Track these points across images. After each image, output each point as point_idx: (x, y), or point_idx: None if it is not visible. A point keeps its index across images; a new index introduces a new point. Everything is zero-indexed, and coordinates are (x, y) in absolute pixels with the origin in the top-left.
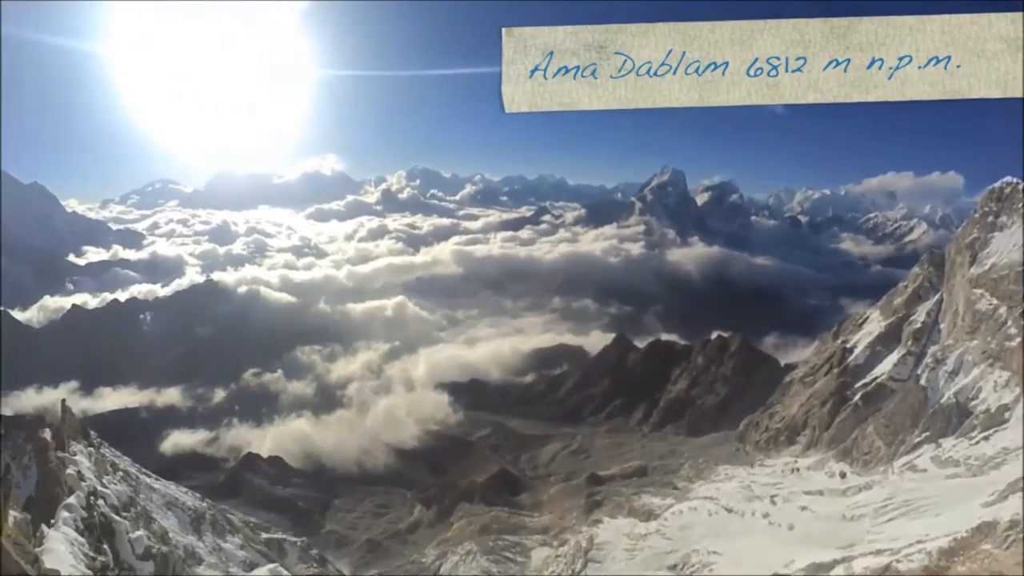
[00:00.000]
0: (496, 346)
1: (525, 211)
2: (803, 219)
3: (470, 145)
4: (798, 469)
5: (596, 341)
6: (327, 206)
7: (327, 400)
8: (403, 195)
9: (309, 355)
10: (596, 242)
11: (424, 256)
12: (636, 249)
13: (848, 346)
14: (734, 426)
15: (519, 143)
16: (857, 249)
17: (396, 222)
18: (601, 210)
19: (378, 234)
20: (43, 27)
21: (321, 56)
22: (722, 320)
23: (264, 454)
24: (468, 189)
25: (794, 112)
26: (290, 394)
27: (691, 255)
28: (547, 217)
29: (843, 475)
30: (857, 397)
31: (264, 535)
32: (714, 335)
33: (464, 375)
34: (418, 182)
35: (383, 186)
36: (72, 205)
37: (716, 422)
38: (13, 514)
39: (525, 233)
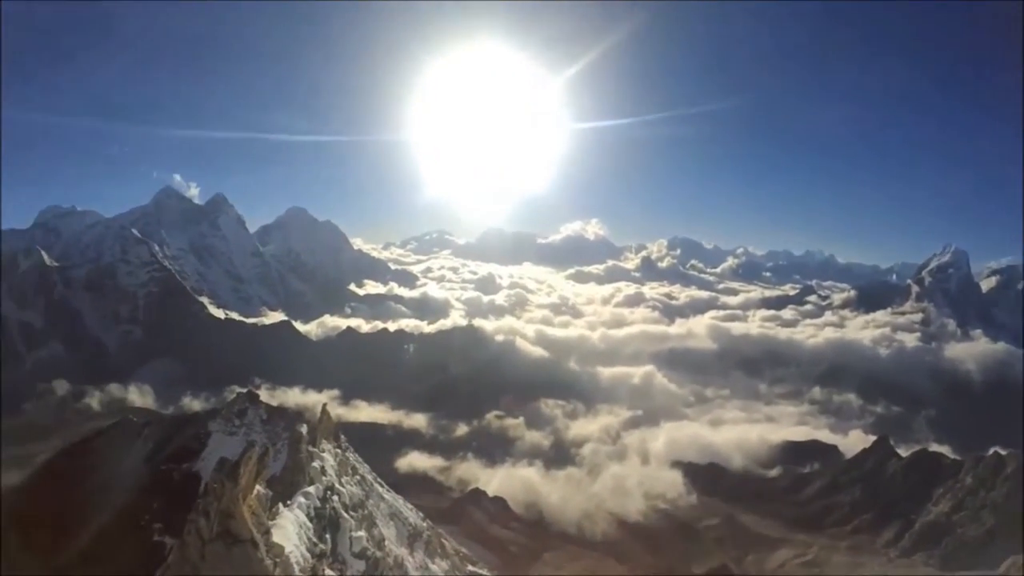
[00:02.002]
0: (743, 432)
1: (789, 289)
2: None
3: (734, 215)
4: None
5: (854, 442)
6: (587, 268)
7: (561, 455)
8: (663, 264)
9: (552, 408)
10: (865, 329)
11: (679, 328)
12: (910, 340)
13: None
14: (995, 566)
15: (786, 215)
16: None
17: (654, 290)
18: (873, 293)
19: (635, 301)
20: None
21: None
22: (1003, 434)
23: (490, 492)
24: (730, 262)
25: None
26: (527, 442)
27: (973, 351)
28: (813, 297)
29: None
30: None
31: (470, 567)
32: (991, 451)
33: (704, 457)
34: (679, 251)
35: (643, 253)
36: (358, 243)
37: (976, 557)
38: (259, 488)
39: (788, 313)
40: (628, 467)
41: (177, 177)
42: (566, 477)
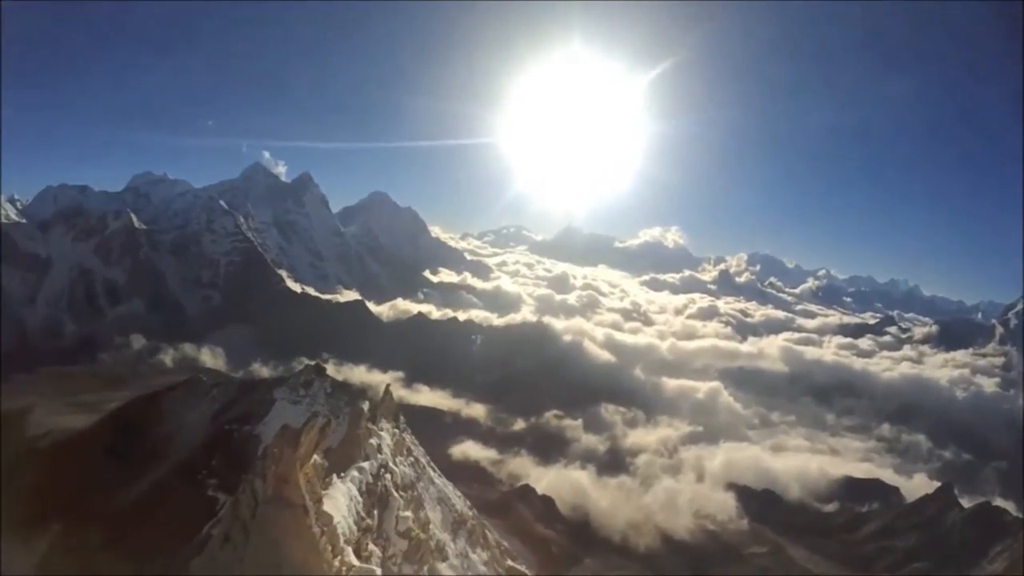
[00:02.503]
0: (804, 461)
1: (869, 317)
2: None
3: (819, 235)
4: None
5: (917, 486)
6: (663, 276)
7: (615, 462)
8: (740, 279)
9: (612, 414)
10: (944, 368)
11: (751, 346)
12: (989, 385)
13: None
14: None
15: (873, 239)
16: None
17: (729, 305)
18: (955, 330)
19: (708, 314)
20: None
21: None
22: None
23: (539, 490)
24: (810, 283)
25: None
26: (582, 445)
27: None
28: (892, 329)
29: None
30: None
31: (509, 562)
32: None
33: (760, 482)
34: (758, 267)
35: (721, 266)
36: (436, 232)
37: None
38: (316, 457)
39: (865, 343)
40: (681, 483)
41: (266, 154)
42: (617, 485)
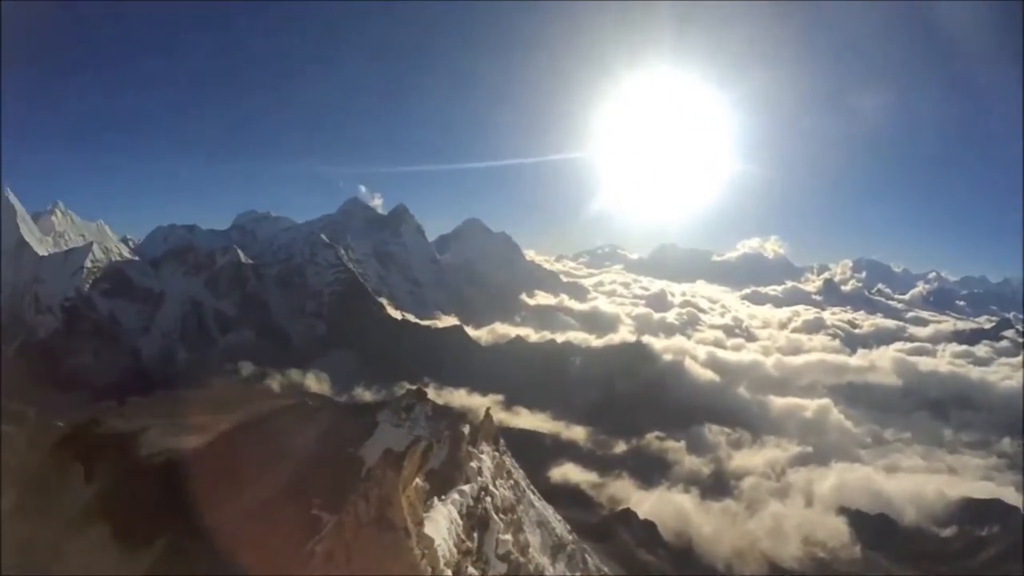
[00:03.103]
0: (920, 482)
1: (984, 322)
2: None
3: (926, 235)
4: None
5: None
6: (764, 289)
7: (719, 485)
8: (846, 287)
9: (716, 435)
10: None
11: (860, 359)
12: None
13: None
14: None
15: (984, 236)
16: None
17: (835, 316)
18: None
19: (814, 327)
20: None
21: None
22: None
23: (641, 515)
24: (920, 288)
25: None
26: (685, 467)
27: None
28: (1010, 332)
29: None
30: None
31: None
32: None
33: (874, 506)
34: (864, 274)
35: (825, 275)
36: (531, 255)
37: None
38: (418, 480)
39: (982, 350)
40: (790, 507)
41: (363, 188)
42: (722, 509)
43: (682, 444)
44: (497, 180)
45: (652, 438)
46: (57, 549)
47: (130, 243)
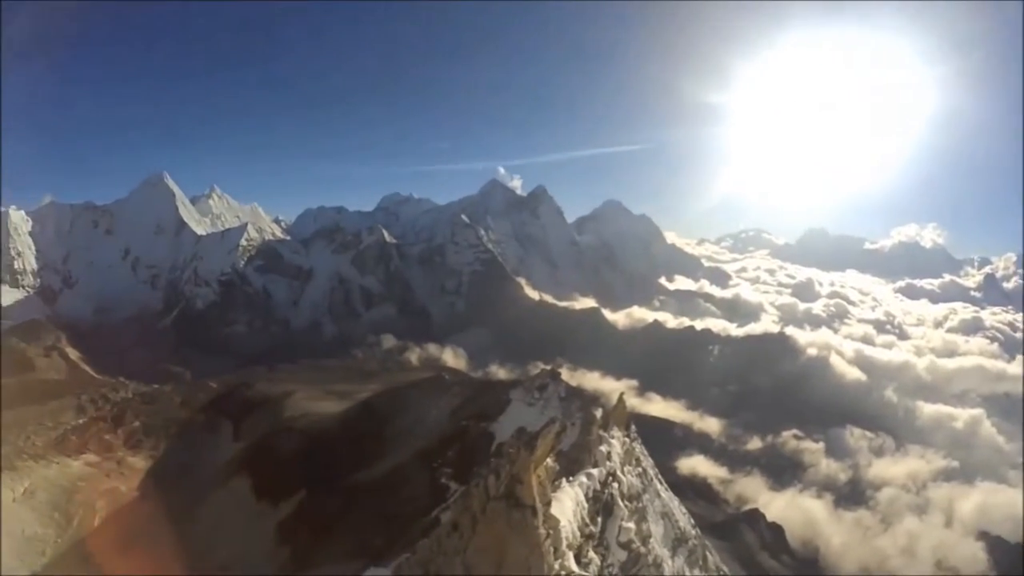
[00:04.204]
0: None
1: None
2: None
3: None
4: None
5: None
6: (920, 282)
7: (855, 494)
8: (1009, 284)
9: (857, 439)
10: None
11: (1020, 367)
12: None
13: None
14: None
15: None
16: None
17: (995, 317)
18: None
19: (972, 327)
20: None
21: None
22: None
23: (769, 516)
24: None
25: None
26: (821, 471)
27: None
28: None
29: None
30: None
31: None
32: None
33: (1017, 533)
34: None
35: (987, 269)
36: (672, 238)
37: None
38: (548, 461)
39: None
40: (926, 525)
41: (501, 170)
42: (855, 520)
43: (820, 446)
44: (638, 161)
45: (789, 436)
46: (198, 497)
47: (282, 224)
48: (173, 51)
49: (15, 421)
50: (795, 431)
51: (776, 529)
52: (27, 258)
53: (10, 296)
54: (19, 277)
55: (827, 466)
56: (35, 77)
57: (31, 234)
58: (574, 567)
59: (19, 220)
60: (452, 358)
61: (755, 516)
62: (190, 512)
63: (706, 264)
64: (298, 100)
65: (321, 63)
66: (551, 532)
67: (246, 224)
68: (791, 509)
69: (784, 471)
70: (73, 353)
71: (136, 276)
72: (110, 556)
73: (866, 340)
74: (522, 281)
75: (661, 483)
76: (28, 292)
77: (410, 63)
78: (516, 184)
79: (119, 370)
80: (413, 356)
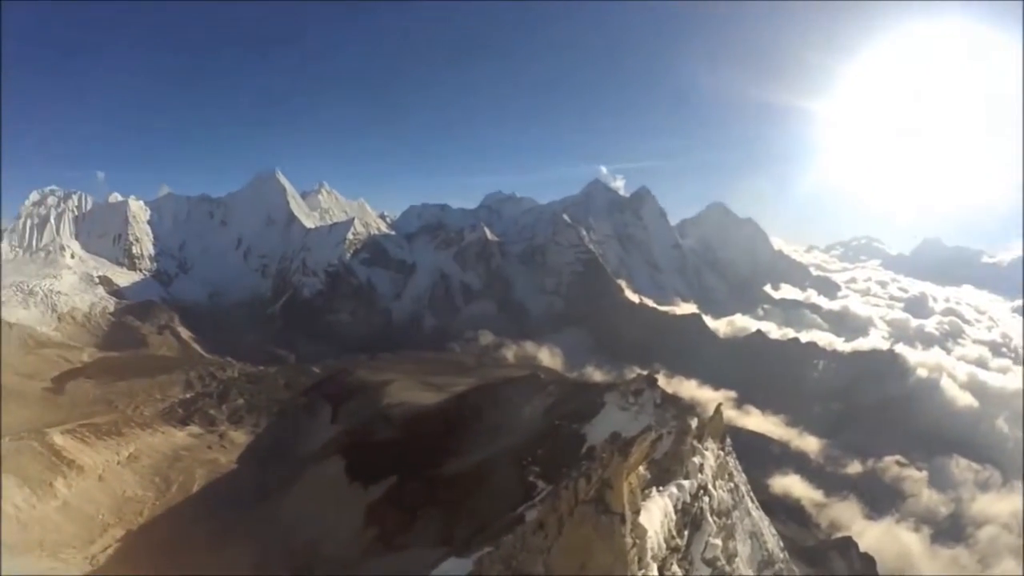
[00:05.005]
0: None
1: None
2: None
3: None
4: None
5: None
6: None
7: (954, 529)
8: None
9: (963, 471)
10: None
11: None
12: None
13: None
14: None
15: None
16: None
17: None
18: None
19: None
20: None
21: None
22: None
23: (861, 546)
24: None
25: None
26: (921, 502)
27: None
28: None
29: None
30: None
31: None
32: None
33: None
34: None
35: None
36: (778, 244)
37: None
38: (640, 469)
39: None
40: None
41: (603, 170)
42: (951, 558)
43: (923, 475)
44: (745, 163)
45: (891, 462)
46: (294, 473)
47: (387, 219)
48: (286, 53)
49: (126, 391)
50: (898, 457)
51: (868, 560)
52: (145, 244)
53: (126, 278)
54: (136, 261)
55: (928, 497)
56: (153, 81)
57: (149, 222)
58: None
59: (138, 209)
60: (548, 357)
61: (847, 544)
62: (284, 487)
63: (814, 273)
64: (405, 102)
65: (429, 67)
66: (637, 541)
67: (353, 219)
68: (886, 540)
69: (882, 499)
70: (185, 333)
71: (247, 264)
72: None
73: (980, 363)
74: (622, 283)
75: (752, 501)
76: (144, 275)
77: (520, 65)
78: (618, 185)
79: (228, 351)
80: (509, 353)
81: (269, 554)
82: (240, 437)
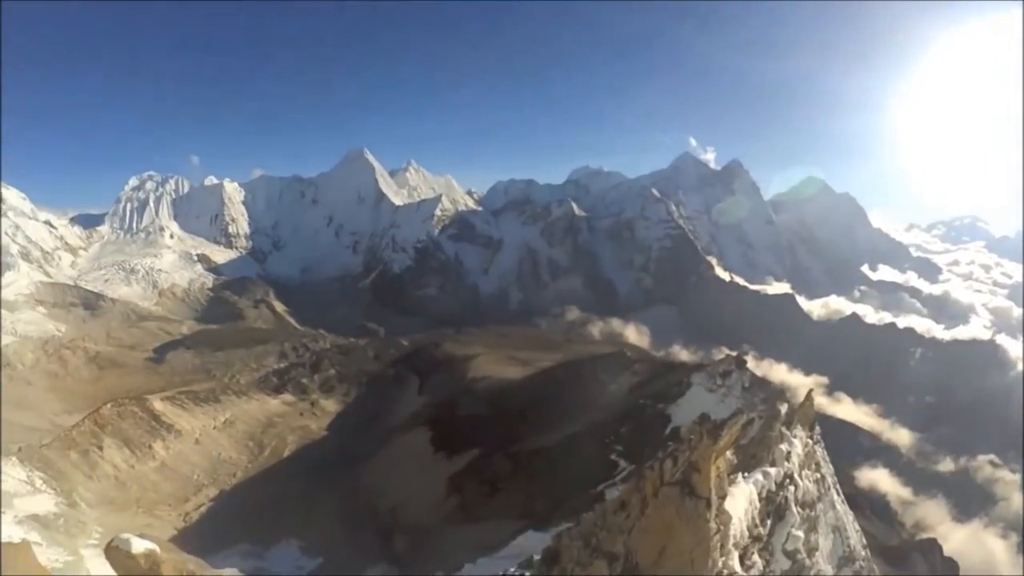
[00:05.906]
0: None
1: None
2: None
3: None
4: None
5: None
6: None
7: None
8: None
9: None
10: None
11: None
12: None
13: None
14: None
15: None
16: None
17: None
18: None
19: None
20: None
21: None
22: None
23: (946, 549)
24: None
25: None
26: (1012, 507)
27: None
28: None
29: None
30: None
31: None
32: None
33: None
34: None
35: None
36: (877, 222)
37: None
38: (728, 453)
39: None
40: None
41: (692, 142)
42: None
43: (1016, 477)
44: (846, 136)
45: (984, 462)
46: (382, 442)
47: (474, 195)
48: (376, 41)
49: (223, 361)
50: (992, 456)
51: (951, 564)
52: (240, 224)
53: (223, 256)
54: (233, 240)
55: (1020, 502)
56: (247, 70)
57: (244, 203)
58: (737, 568)
59: (233, 191)
60: (635, 334)
61: (931, 546)
62: (372, 454)
63: (914, 254)
64: (490, 80)
65: (516, 45)
66: (721, 528)
67: (440, 196)
68: (971, 544)
69: (972, 500)
70: (279, 306)
71: (339, 241)
72: None
73: None
74: (713, 260)
75: (838, 494)
76: (240, 253)
77: (604, 43)
78: (709, 157)
79: (320, 324)
80: (596, 329)
81: (354, 515)
82: (331, 405)
